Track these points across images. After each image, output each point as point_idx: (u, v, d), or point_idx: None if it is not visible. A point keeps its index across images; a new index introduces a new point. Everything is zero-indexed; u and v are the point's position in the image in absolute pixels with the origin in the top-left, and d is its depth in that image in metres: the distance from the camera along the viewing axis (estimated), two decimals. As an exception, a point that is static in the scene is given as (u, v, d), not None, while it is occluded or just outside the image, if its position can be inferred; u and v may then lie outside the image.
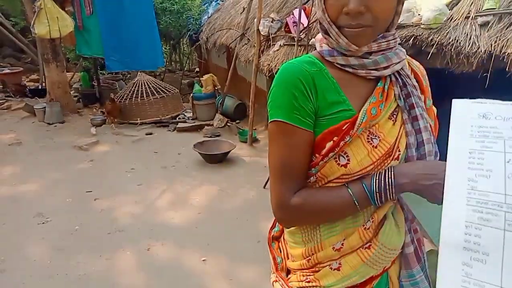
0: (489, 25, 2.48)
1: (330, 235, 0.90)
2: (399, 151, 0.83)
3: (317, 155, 0.85)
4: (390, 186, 0.78)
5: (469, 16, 2.56)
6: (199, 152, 4.74)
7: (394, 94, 0.85)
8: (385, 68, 0.83)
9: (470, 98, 0.67)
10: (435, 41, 2.62)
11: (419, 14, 2.75)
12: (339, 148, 0.81)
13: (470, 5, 2.60)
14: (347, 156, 0.81)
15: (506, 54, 2.34)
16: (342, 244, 0.88)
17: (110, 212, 3.59)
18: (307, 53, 0.98)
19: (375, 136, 0.82)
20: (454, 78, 2.82)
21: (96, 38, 6.34)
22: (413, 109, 0.87)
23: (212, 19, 7.52)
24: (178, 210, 3.63)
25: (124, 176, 4.42)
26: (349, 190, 0.82)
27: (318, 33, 0.90)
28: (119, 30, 6.24)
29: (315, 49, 0.92)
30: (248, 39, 5.56)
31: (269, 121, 0.87)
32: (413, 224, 0.92)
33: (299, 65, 0.84)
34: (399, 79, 0.87)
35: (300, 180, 0.86)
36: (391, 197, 0.79)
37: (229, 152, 4.74)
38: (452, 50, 2.56)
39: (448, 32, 2.59)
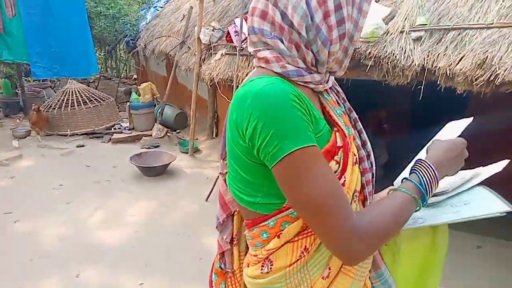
0: (422, 40, 2.60)
1: (319, 266, 0.82)
2: (355, 154, 0.83)
3: None
4: (435, 176, 0.82)
5: (404, 31, 2.66)
6: (136, 165, 4.46)
7: (335, 101, 0.89)
8: (327, 80, 0.85)
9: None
10: (373, 54, 2.70)
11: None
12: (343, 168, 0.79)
13: (404, 21, 2.72)
14: (345, 174, 0.79)
15: (437, 67, 2.46)
16: (330, 269, 0.82)
17: (34, 235, 3.21)
18: (248, 63, 0.86)
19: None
20: (391, 90, 2.92)
21: (19, 42, 5.78)
22: (352, 112, 0.91)
23: (151, 26, 7.25)
24: (112, 229, 3.34)
25: (50, 194, 4.00)
26: (402, 190, 0.80)
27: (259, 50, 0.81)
28: (47, 34, 5.75)
29: (260, 67, 0.82)
30: (189, 47, 5.41)
31: (285, 155, 0.70)
32: None
33: (282, 85, 0.73)
34: (332, 87, 0.91)
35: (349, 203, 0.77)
36: (436, 186, 0.83)
37: (169, 164, 4.52)
38: (389, 63, 2.65)
39: (385, 46, 2.67)
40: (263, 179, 0.77)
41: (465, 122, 1.06)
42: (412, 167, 0.85)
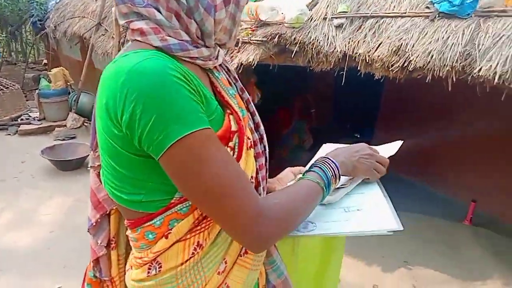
0: (343, 27, 2.68)
1: (215, 261, 0.75)
2: (249, 138, 0.78)
3: None
4: (337, 168, 0.83)
5: (326, 18, 2.72)
6: (48, 159, 4.05)
7: (227, 80, 0.82)
8: (217, 56, 0.78)
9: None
10: (298, 40, 2.72)
11: (282, 13, 2.81)
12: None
13: (327, 8, 2.78)
14: (241, 159, 0.73)
15: (358, 54, 2.56)
16: (226, 263, 0.76)
17: None
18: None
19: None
20: (316, 76, 3.00)
21: None
22: (244, 93, 0.86)
23: (61, 5, 6.59)
24: (23, 230, 3.00)
25: None
26: (308, 178, 0.79)
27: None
28: None
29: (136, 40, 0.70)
30: (106, 29, 5.01)
31: (173, 142, 0.60)
32: None
33: (163, 60, 0.63)
34: (222, 65, 0.84)
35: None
36: (339, 179, 0.85)
37: (86, 156, 4.18)
38: (313, 49, 2.69)
39: (309, 32, 2.71)
40: (147, 174, 0.67)
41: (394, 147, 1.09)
42: (314, 162, 0.85)
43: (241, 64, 2.85)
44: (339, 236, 1.01)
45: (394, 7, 2.55)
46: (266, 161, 0.85)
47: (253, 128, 0.81)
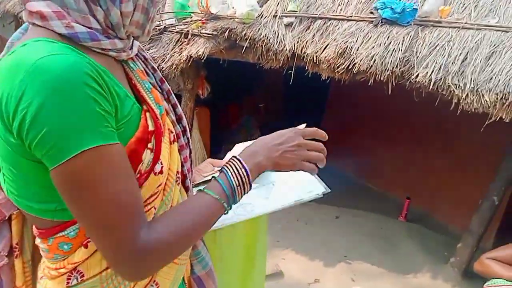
0: (293, 26, 2.71)
1: None
2: (172, 131, 0.74)
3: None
4: (246, 176, 0.72)
5: (276, 15, 2.73)
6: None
7: (143, 71, 0.75)
8: (131, 46, 0.72)
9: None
10: (248, 36, 2.70)
11: (233, 7, 2.78)
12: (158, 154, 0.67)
13: (277, 5, 2.79)
14: (160, 159, 0.68)
15: (306, 54, 2.60)
16: None
17: None
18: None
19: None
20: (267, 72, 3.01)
21: None
22: (164, 84, 0.80)
23: (-6, -20, 6.04)
24: None
25: None
26: (209, 193, 0.69)
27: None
28: None
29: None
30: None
31: (65, 159, 0.53)
32: None
33: (72, 57, 0.55)
34: (138, 54, 0.77)
35: (144, 212, 0.64)
36: (250, 187, 0.73)
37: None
38: (263, 46, 2.69)
39: (259, 29, 2.70)
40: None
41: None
42: (223, 166, 0.74)
43: (191, 57, 2.79)
44: (262, 225, 1.00)
45: (341, 10, 2.63)
46: (190, 152, 0.82)
47: (175, 121, 0.77)
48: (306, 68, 2.69)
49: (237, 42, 2.78)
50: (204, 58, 2.79)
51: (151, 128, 0.66)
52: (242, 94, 4.62)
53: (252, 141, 0.79)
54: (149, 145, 0.65)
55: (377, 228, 3.46)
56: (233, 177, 0.71)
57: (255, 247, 1.13)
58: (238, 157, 0.74)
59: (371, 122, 4.15)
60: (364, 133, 4.22)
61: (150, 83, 0.74)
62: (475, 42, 2.13)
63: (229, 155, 1.01)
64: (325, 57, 2.53)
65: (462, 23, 2.22)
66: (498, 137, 2.65)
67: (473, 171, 3.30)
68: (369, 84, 2.44)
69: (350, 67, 2.45)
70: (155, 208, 0.68)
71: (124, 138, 0.62)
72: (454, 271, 2.78)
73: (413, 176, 3.86)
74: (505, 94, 1.93)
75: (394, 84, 2.35)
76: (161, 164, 0.67)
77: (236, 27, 2.74)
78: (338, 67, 2.49)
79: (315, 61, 2.60)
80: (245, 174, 0.71)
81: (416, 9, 2.34)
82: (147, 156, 0.65)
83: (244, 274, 1.13)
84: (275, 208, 0.80)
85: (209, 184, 0.72)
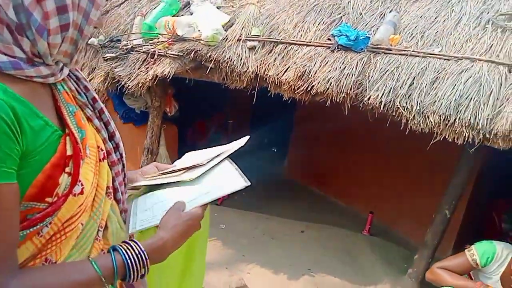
0: (256, 49, 2.84)
1: None
2: (102, 149, 0.79)
3: (49, 199, 0.67)
4: (144, 267, 0.74)
5: (240, 39, 2.86)
6: None
7: (74, 91, 0.78)
8: (61, 69, 0.74)
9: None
10: (213, 58, 2.81)
11: (199, 30, 2.89)
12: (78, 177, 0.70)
13: (241, 29, 2.91)
14: (80, 181, 0.71)
15: (268, 76, 2.73)
16: None
17: None
18: None
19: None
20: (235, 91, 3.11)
21: None
22: (96, 102, 0.83)
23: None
24: None
25: None
26: (94, 266, 0.68)
27: None
28: None
29: None
30: None
31: None
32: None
33: None
34: (70, 73, 0.80)
35: (15, 257, 0.64)
36: (146, 271, 0.74)
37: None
38: (227, 67, 2.81)
39: (224, 51, 2.81)
40: None
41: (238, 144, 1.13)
42: (124, 244, 0.75)
43: (156, 76, 2.86)
44: (202, 231, 1.09)
45: (301, 35, 2.78)
46: (123, 166, 0.87)
47: (106, 138, 0.81)
48: (269, 89, 2.81)
49: (202, 63, 2.89)
50: (170, 78, 2.87)
51: (69, 152, 0.69)
52: (211, 111, 4.71)
53: (164, 225, 0.82)
54: (67, 169, 0.68)
55: (341, 242, 3.58)
56: (130, 264, 0.72)
57: (195, 253, 1.18)
58: (142, 248, 0.75)
59: (337, 140, 4.31)
60: (330, 150, 4.39)
61: (82, 102, 0.78)
62: (421, 68, 2.31)
63: (177, 162, 1.09)
64: (286, 79, 2.66)
65: (409, 51, 2.41)
66: (449, 155, 2.82)
67: (429, 187, 3.49)
68: (326, 105, 2.58)
69: (309, 89, 2.59)
70: (82, 224, 0.73)
71: (39, 164, 0.65)
72: (412, 281, 2.91)
73: (376, 192, 4.02)
74: (447, 116, 2.11)
75: (349, 105, 2.50)
76: (82, 185, 0.70)
77: (202, 49, 2.84)
78: (298, 89, 2.63)
79: (276, 83, 2.72)
80: (143, 265, 0.73)
81: (369, 37, 2.52)
82: (64, 179, 0.68)
83: (183, 280, 1.18)
84: (198, 203, 0.89)
85: (101, 256, 0.74)
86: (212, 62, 2.84)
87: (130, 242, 0.75)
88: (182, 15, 3.19)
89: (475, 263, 2.20)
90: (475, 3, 2.50)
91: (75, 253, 0.73)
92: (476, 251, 2.21)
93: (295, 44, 2.76)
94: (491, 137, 2.01)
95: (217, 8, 3.13)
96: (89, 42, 3.29)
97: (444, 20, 2.48)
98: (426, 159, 3.38)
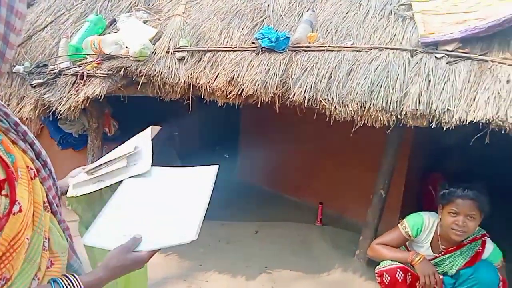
0: (185, 59, 2.91)
1: (26, 283, 0.80)
2: (31, 168, 0.85)
3: None
4: None
5: (169, 51, 2.91)
6: None
7: None
8: None
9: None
10: (144, 72, 2.84)
11: (126, 47, 2.91)
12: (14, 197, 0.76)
13: (169, 42, 2.97)
14: (17, 200, 0.77)
15: (200, 84, 2.80)
16: (38, 279, 0.83)
17: None
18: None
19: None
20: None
21: None
22: (19, 126, 0.88)
23: None
24: None
25: None
26: None
27: None
28: None
29: None
30: None
31: None
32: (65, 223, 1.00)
33: None
34: None
35: None
36: None
37: None
38: (159, 80, 2.85)
39: (153, 65, 2.85)
40: None
41: (149, 132, 1.32)
42: (65, 278, 0.85)
43: (87, 97, 2.85)
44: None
45: (227, 42, 2.88)
46: (54, 181, 0.95)
47: (34, 158, 0.88)
48: (203, 97, 2.89)
49: (133, 79, 2.91)
50: (103, 97, 2.86)
51: (2, 177, 0.74)
52: (156, 125, 4.69)
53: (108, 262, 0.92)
54: (3, 192, 0.74)
55: (295, 235, 3.70)
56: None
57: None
58: (81, 285, 0.85)
59: (282, 137, 4.45)
60: (277, 148, 4.52)
61: (4, 128, 0.82)
62: (337, 62, 2.48)
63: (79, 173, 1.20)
64: (217, 86, 2.74)
65: (326, 46, 2.57)
66: (380, 138, 3.01)
67: (368, 171, 3.70)
68: (257, 106, 2.69)
69: (239, 92, 2.69)
70: (28, 239, 0.79)
71: None
72: (360, 261, 3.08)
73: (324, 183, 4.20)
74: (363, 103, 2.28)
75: (278, 103, 2.63)
76: (19, 204, 0.77)
77: (131, 65, 2.87)
78: (230, 94, 2.72)
79: (209, 90, 2.80)
80: None
81: (289, 37, 2.67)
82: (3, 201, 0.73)
83: None
84: (151, 248, 0.95)
85: (42, 286, 0.82)
86: (143, 77, 2.87)
87: (70, 277, 0.84)
88: (109, 32, 3.19)
89: (407, 235, 2.39)
90: (380, -4, 2.73)
91: (26, 266, 0.80)
92: (407, 224, 2.41)
93: (222, 50, 2.86)
94: (402, 118, 2.20)
95: (144, 22, 3.16)
96: (14, 70, 3.21)
97: (354, 15, 2.67)
98: (362, 145, 3.59)
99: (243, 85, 2.66)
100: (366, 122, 2.34)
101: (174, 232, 0.99)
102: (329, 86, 2.42)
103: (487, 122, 1.98)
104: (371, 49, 2.44)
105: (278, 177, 4.53)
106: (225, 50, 2.84)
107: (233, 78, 2.70)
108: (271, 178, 4.62)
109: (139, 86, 2.88)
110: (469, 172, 4.07)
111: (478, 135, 2.09)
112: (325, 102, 2.39)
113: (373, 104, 2.24)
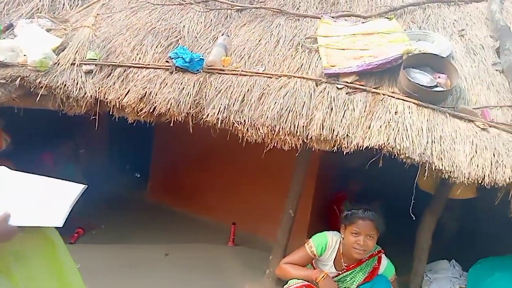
0: (93, 73, 2.75)
1: None
2: None
3: None
4: None
5: (75, 63, 2.73)
6: None
7: None
8: None
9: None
10: (44, 84, 2.62)
11: (24, 55, 2.66)
12: None
13: (75, 53, 2.79)
14: None
15: (108, 100, 2.66)
16: None
17: None
18: None
19: None
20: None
21: None
22: None
23: None
24: None
25: None
26: None
27: None
28: None
29: None
30: None
31: None
32: None
33: None
34: None
35: None
36: None
37: None
38: (62, 93, 2.64)
39: (56, 76, 2.65)
40: None
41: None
42: None
43: (-27, 108, 2.52)
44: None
45: (140, 58, 2.81)
46: None
47: None
48: (111, 113, 2.74)
49: (32, 90, 2.66)
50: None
51: None
52: (59, 141, 4.31)
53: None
54: None
55: (206, 257, 3.64)
56: None
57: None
58: None
59: (195, 158, 4.40)
60: (190, 169, 4.46)
61: None
62: (250, 86, 2.56)
63: None
64: (128, 102, 2.63)
65: (239, 70, 2.65)
66: (291, 160, 3.15)
67: (279, 191, 3.83)
68: (170, 125, 2.64)
69: (151, 110, 2.61)
70: None
71: None
72: (269, 281, 3.13)
73: (237, 203, 4.22)
74: (273, 126, 2.38)
75: (192, 124, 2.61)
76: None
77: (29, 75, 2.62)
78: (141, 111, 2.63)
79: (118, 106, 2.68)
80: None
81: (203, 59, 2.70)
82: None
83: None
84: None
85: None
86: (44, 88, 2.64)
87: None
88: (4, 38, 2.89)
89: (313, 254, 2.51)
90: (289, 28, 2.92)
91: None
92: (313, 243, 2.53)
93: (134, 67, 2.77)
94: (308, 141, 2.34)
95: (47, 30, 2.93)
96: None
97: (266, 43, 2.82)
98: (273, 166, 3.72)
99: (155, 103, 2.60)
100: (276, 145, 2.43)
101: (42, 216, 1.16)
102: (241, 108, 2.48)
103: (380, 148, 2.21)
104: (281, 76, 2.57)
105: (190, 197, 4.45)
106: (138, 67, 2.76)
107: (145, 95, 2.62)
108: (183, 198, 4.52)
109: (38, 98, 2.64)
110: (369, 192, 4.46)
111: (373, 159, 2.31)
112: (238, 124, 2.44)
113: (282, 128, 2.35)
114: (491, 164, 2.04)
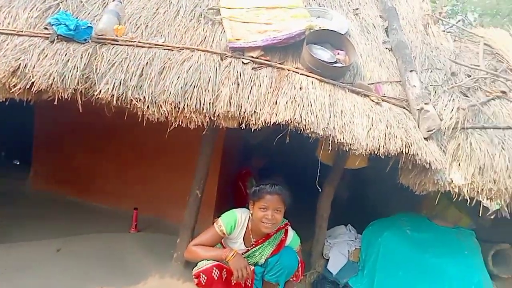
0: None
1: None
2: None
3: None
4: None
5: None
6: None
7: None
8: None
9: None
10: None
11: None
12: None
13: None
14: None
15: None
16: None
17: None
18: None
19: None
20: None
21: None
22: None
23: None
24: None
25: None
26: None
27: None
28: None
29: None
30: None
31: None
32: None
33: None
34: None
35: None
36: None
37: None
38: None
39: None
40: None
41: None
42: None
43: None
44: None
45: (9, 23, 2.33)
46: None
47: None
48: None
49: None
50: None
51: None
52: None
53: None
54: None
55: (106, 247, 3.34)
56: None
57: None
58: None
59: (89, 140, 3.97)
60: (83, 152, 4.01)
61: None
62: (149, 59, 2.33)
63: None
64: (-4, 77, 2.18)
65: (136, 41, 2.39)
66: (196, 138, 3.00)
67: (185, 172, 3.68)
68: (54, 103, 2.27)
69: (28, 86, 2.21)
70: None
71: None
72: (178, 264, 3.02)
73: (139, 187, 3.96)
74: (177, 104, 2.21)
75: (81, 101, 2.28)
76: None
77: None
78: (13, 87, 2.20)
79: (-18, 81, 2.20)
80: None
81: (91, 27, 2.36)
82: None
83: None
84: None
85: None
86: None
87: None
88: None
89: (222, 232, 2.46)
90: (190, -4, 2.72)
91: None
92: (222, 222, 2.48)
93: (2, 33, 2.29)
94: (215, 119, 2.23)
95: None
96: None
97: (165, 12, 2.58)
98: (178, 146, 3.54)
99: (32, 77, 2.20)
100: (180, 123, 2.28)
101: None
102: (140, 84, 2.25)
103: (287, 123, 2.21)
104: (183, 49, 2.39)
105: (83, 183, 4.02)
106: (7, 33, 2.29)
107: (18, 68, 2.20)
108: (75, 185, 4.06)
109: None
110: (271, 166, 4.59)
111: (280, 135, 2.31)
112: (137, 101, 2.21)
113: (187, 105, 2.20)
114: (385, 135, 2.20)
